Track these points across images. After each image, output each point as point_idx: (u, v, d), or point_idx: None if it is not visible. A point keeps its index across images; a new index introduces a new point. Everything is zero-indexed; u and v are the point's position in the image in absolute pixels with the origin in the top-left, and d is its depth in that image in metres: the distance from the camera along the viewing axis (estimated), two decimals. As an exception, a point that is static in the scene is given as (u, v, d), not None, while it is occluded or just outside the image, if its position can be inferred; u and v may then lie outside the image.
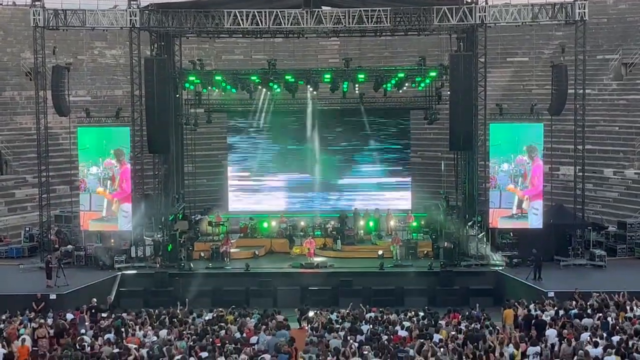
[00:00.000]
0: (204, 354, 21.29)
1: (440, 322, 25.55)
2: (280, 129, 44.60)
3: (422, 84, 41.38)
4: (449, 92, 37.16)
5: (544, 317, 25.27)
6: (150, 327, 25.06)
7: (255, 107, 42.87)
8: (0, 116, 47.51)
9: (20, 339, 23.51)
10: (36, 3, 36.81)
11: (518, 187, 36.03)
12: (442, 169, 43.92)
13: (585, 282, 32.30)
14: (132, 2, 36.72)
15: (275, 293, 34.73)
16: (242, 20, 36.76)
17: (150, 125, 36.72)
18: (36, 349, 23.78)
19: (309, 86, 40.30)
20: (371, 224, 41.19)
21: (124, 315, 27.26)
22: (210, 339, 22.92)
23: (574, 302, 27.17)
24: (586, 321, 24.33)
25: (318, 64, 50.80)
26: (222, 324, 25.56)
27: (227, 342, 22.51)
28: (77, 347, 22.54)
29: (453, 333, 23.61)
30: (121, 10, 37.42)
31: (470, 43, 37.78)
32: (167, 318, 26.32)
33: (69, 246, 37.90)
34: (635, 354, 20.43)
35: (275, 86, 40.47)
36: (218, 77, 40.02)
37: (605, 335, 22.27)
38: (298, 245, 39.04)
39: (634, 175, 42.70)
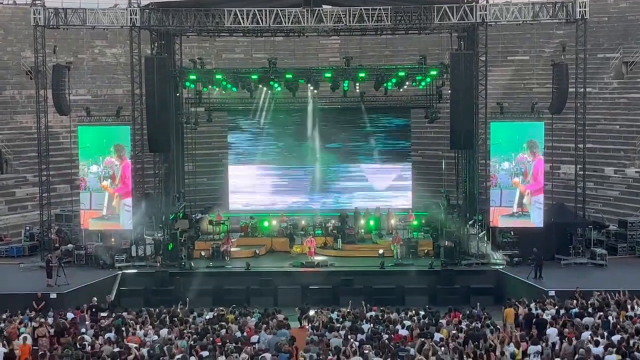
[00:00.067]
0: (205, 353, 21.27)
1: (441, 321, 25.53)
2: (281, 128, 44.58)
3: (423, 83, 41.35)
4: (449, 91, 37.11)
5: (544, 316, 25.24)
6: (150, 326, 25.04)
7: (256, 106, 42.84)
8: (1, 115, 47.51)
9: (21, 337, 23.52)
10: (36, 2, 36.83)
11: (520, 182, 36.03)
12: (442, 168, 43.89)
13: (586, 281, 32.27)
14: (132, 1, 36.72)
15: (275, 292, 34.74)
16: (242, 19, 36.75)
17: (150, 124, 36.70)
18: (36, 348, 23.77)
19: (309, 85, 40.28)
20: (372, 222, 41.17)
21: (125, 314, 27.24)
22: (211, 338, 22.90)
23: (574, 301, 27.16)
24: (587, 320, 24.31)
25: (319, 62, 50.81)
26: (223, 323, 25.53)
27: (227, 341, 22.48)
28: (78, 346, 22.53)
29: (454, 332, 23.60)
30: (121, 9, 37.42)
31: (471, 42, 37.76)
32: (167, 317, 26.31)
33: (70, 245, 37.89)
34: (636, 352, 20.39)
35: (276, 85, 40.45)
36: (218, 76, 40.01)
37: (606, 334, 22.23)
38: (299, 244, 39.02)
39: (635, 174, 42.67)
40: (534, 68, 47.02)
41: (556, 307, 26.56)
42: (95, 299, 28.88)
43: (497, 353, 21.26)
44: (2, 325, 25.26)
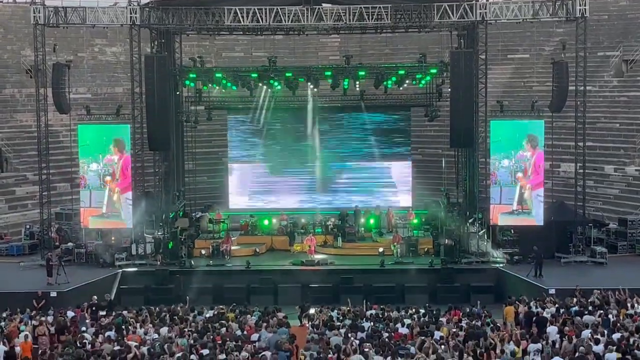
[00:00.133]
0: (205, 352, 21.28)
1: (441, 319, 25.56)
2: (281, 126, 44.57)
3: (423, 81, 41.34)
4: (449, 89, 37.12)
5: (544, 314, 25.26)
6: (151, 325, 25.06)
7: (256, 105, 42.83)
8: (1, 114, 47.47)
9: (22, 335, 23.55)
10: (36, 0, 36.85)
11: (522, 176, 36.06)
12: (442, 166, 43.86)
13: (586, 279, 32.27)
14: (132, 0, 36.70)
15: (276, 290, 34.73)
16: (242, 17, 36.74)
17: (150, 122, 36.71)
18: (36, 346, 23.78)
19: (309, 83, 40.27)
20: (372, 221, 41.17)
21: (125, 312, 27.25)
22: (211, 337, 22.93)
23: (574, 299, 27.16)
24: (587, 318, 24.32)
25: (318, 61, 50.80)
26: (223, 321, 25.55)
27: (228, 339, 22.49)
28: (78, 344, 22.56)
29: (454, 330, 23.62)
30: (121, 7, 37.44)
31: (470, 40, 37.76)
32: (167, 316, 26.33)
33: (70, 244, 37.88)
34: (636, 351, 20.41)
35: (276, 83, 40.45)
36: (218, 75, 40.02)
37: (606, 332, 22.26)
38: (299, 243, 39.03)
39: (635, 172, 42.66)
40: (534, 66, 46.96)
41: (556, 306, 26.58)
42: (95, 297, 28.91)
43: (497, 351, 21.29)
44: (3, 323, 25.30)
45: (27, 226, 40.20)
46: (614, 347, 20.46)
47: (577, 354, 20.47)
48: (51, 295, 31.57)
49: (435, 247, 37.65)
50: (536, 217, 35.95)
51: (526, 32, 48.08)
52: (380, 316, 26.44)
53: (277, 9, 36.54)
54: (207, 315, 26.90)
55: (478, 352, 21.00)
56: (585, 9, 35.67)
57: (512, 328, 24.76)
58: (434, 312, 26.99)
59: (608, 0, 52.20)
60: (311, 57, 52.55)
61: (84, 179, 36.93)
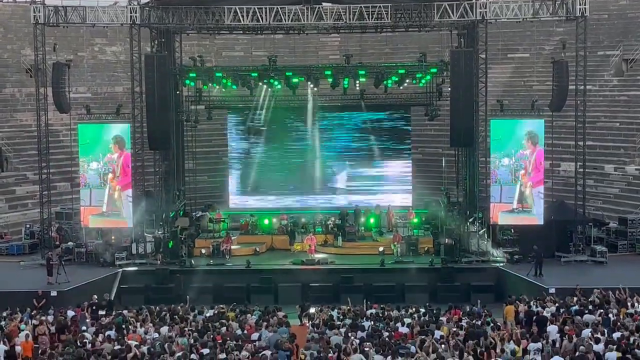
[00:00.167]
0: (205, 351, 21.30)
1: (441, 318, 25.58)
2: (281, 126, 44.59)
3: (423, 81, 41.34)
4: (449, 89, 37.12)
5: (545, 314, 25.27)
6: (151, 324, 25.07)
7: (256, 104, 42.85)
8: (1, 113, 47.49)
9: (23, 334, 23.56)
10: (36, 0, 36.78)
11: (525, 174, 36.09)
12: (443, 166, 43.89)
13: (586, 278, 32.27)
14: (132, -1, 36.80)
15: (276, 290, 34.73)
16: (242, 16, 36.74)
17: (150, 122, 36.72)
18: (37, 346, 23.79)
19: (309, 82, 40.27)
20: (372, 220, 41.18)
21: (125, 312, 27.25)
22: (212, 336, 22.94)
23: (575, 299, 27.16)
24: (587, 317, 24.32)
25: (318, 60, 50.78)
26: (223, 320, 25.56)
27: (228, 338, 22.52)
28: (78, 343, 22.57)
29: (454, 329, 23.62)
30: (121, 6, 37.46)
31: (470, 39, 37.76)
32: (168, 315, 26.34)
33: (70, 243, 37.88)
34: (636, 350, 20.40)
35: (276, 82, 40.45)
36: (218, 74, 40.05)
37: (606, 331, 22.26)
38: (299, 242, 39.05)
39: (635, 171, 42.68)
40: (534, 65, 46.95)
41: (556, 305, 26.59)
42: (95, 296, 28.93)
43: (498, 350, 21.30)
44: (3, 323, 25.30)
45: (28, 225, 40.20)
46: (614, 346, 20.47)
47: (577, 353, 20.48)
48: (51, 294, 31.56)
49: (435, 247, 37.65)
50: (537, 215, 35.94)
51: (526, 32, 48.06)
52: (381, 315, 26.44)
53: (277, 8, 36.53)
54: (208, 315, 26.90)
55: (478, 351, 21.00)
56: (585, 8, 35.66)
57: (512, 327, 24.76)
58: (434, 311, 26.98)
59: (608, 0, 52.21)
60: (311, 56, 52.54)
61: (84, 178, 36.95)
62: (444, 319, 25.54)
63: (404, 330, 24.13)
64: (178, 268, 35.85)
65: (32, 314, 27.03)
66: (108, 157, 36.59)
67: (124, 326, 24.71)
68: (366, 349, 20.95)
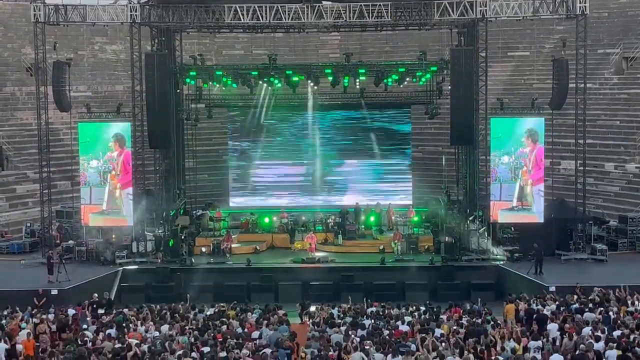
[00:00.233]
0: (206, 349, 21.33)
1: (441, 316, 25.61)
2: (281, 124, 44.60)
3: (423, 79, 41.31)
4: (449, 87, 37.13)
5: (545, 312, 25.28)
6: (152, 323, 25.09)
7: (256, 102, 42.84)
8: (1, 112, 47.52)
9: (25, 333, 23.59)
10: (37, -2, 36.89)
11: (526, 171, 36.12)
12: (443, 164, 43.91)
13: (587, 276, 32.31)
14: (132, -2, 36.83)
15: (276, 288, 34.75)
16: (242, 15, 36.74)
17: (151, 120, 36.74)
18: (38, 344, 23.81)
19: (309, 81, 40.27)
20: (372, 218, 41.17)
21: (126, 310, 27.28)
22: (212, 334, 22.96)
23: (575, 297, 27.18)
24: (587, 315, 24.32)
25: (319, 58, 50.80)
26: (224, 319, 25.58)
27: (228, 337, 22.53)
28: (79, 342, 22.59)
29: (454, 327, 23.64)
30: (122, 5, 37.48)
31: (471, 37, 37.76)
32: (168, 313, 26.36)
33: (70, 241, 37.92)
34: (637, 348, 20.43)
35: (276, 81, 40.45)
36: (219, 72, 40.05)
37: (606, 329, 22.26)
38: (299, 240, 39.04)
39: (635, 170, 42.70)
40: (534, 64, 47.01)
41: (557, 303, 26.60)
42: (96, 295, 28.99)
43: (498, 348, 21.31)
44: (4, 321, 25.33)
45: (28, 224, 40.25)
46: (615, 345, 20.48)
47: (577, 352, 20.50)
48: (52, 293, 31.62)
49: (435, 245, 37.66)
50: (537, 213, 35.95)
51: (526, 30, 48.12)
52: (381, 314, 26.45)
53: (277, 6, 36.53)
54: (208, 313, 26.92)
55: (478, 349, 21.01)
56: (585, 6, 35.64)
57: (512, 325, 24.77)
58: (435, 309, 26.98)
59: (608, -2, 52.26)
60: (311, 54, 52.55)
61: (84, 176, 36.96)
62: (444, 317, 25.57)
63: (404, 328, 24.15)
64: (178, 266, 35.88)
65: (33, 312, 27.08)
66: (108, 155, 36.62)
67: (124, 324, 24.74)
68: (366, 347, 20.98)
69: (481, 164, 37.94)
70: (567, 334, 22.08)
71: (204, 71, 40.71)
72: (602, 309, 25.14)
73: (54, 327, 25.50)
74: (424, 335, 21.91)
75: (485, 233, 36.67)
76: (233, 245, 38.28)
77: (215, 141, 49.20)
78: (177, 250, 36.82)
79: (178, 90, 41.07)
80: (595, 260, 35.34)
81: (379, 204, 42.51)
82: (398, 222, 39.77)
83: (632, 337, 21.39)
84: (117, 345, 21.87)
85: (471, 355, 20.52)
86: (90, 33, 47.13)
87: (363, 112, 43.90)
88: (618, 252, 36.80)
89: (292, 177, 45.14)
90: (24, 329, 24.35)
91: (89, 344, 22.34)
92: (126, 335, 23.14)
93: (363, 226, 40.89)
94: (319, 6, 36.77)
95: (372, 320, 25.21)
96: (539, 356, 21.01)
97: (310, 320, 26.11)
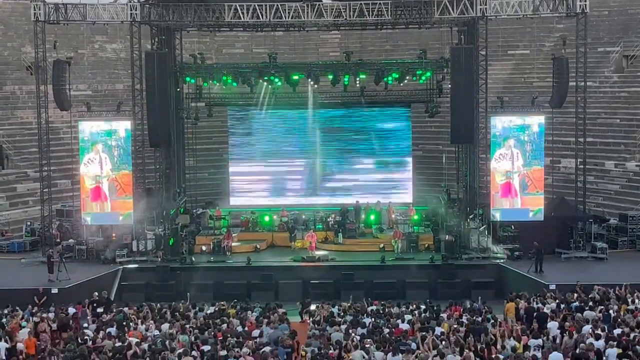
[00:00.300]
0: (206, 348, 21.34)
1: (441, 315, 25.62)
2: (281, 123, 44.58)
3: (423, 77, 41.30)
4: (450, 85, 37.14)
5: (545, 310, 25.30)
6: (152, 321, 25.11)
7: (256, 101, 42.81)
8: (1, 111, 47.53)
9: (26, 332, 23.59)
10: (37, -3, 36.87)
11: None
12: (443, 162, 43.89)
13: (587, 274, 32.31)
14: (132, -4, 36.81)
15: (276, 286, 34.78)
16: (242, 13, 36.74)
17: (151, 119, 36.74)
18: (38, 343, 23.83)
19: (309, 79, 40.25)
20: (372, 217, 41.18)
21: (126, 309, 27.29)
22: (212, 333, 22.98)
23: (575, 295, 27.20)
24: (588, 314, 24.34)
25: (319, 57, 50.80)
26: (224, 317, 25.61)
27: (229, 335, 22.55)
28: (79, 340, 22.60)
29: (455, 326, 23.63)
30: (122, 4, 37.42)
31: (471, 36, 37.74)
32: (168, 312, 26.36)
33: (71, 240, 37.94)
34: (637, 346, 20.42)
35: (276, 80, 40.44)
36: (219, 71, 39.99)
37: (606, 327, 22.28)
38: (299, 239, 39.01)
39: (635, 168, 42.69)
40: (534, 62, 46.99)
41: (557, 301, 26.62)
42: (96, 293, 28.98)
43: (498, 347, 21.33)
44: (4, 320, 25.33)
45: (28, 223, 40.26)
46: (615, 343, 20.49)
47: (577, 350, 20.52)
48: (52, 291, 31.67)
49: (435, 243, 37.66)
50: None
51: (526, 28, 48.09)
52: (381, 312, 26.48)
53: (277, 5, 36.54)
54: (208, 312, 26.92)
55: (479, 347, 21.04)
56: (585, 5, 35.64)
57: (512, 324, 24.81)
58: (435, 307, 27.01)
59: (608, -4, 52.26)
60: (311, 53, 52.54)
61: (84, 175, 36.94)
62: (444, 315, 25.58)
63: (404, 326, 24.16)
64: (179, 265, 35.90)
65: (33, 311, 27.09)
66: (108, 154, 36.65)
67: (124, 323, 24.75)
68: (367, 345, 21.00)
69: (481, 162, 37.94)
70: (567, 332, 22.10)
71: (204, 70, 40.70)
72: (602, 307, 25.15)
73: (54, 325, 25.51)
74: (424, 333, 21.92)
75: (486, 231, 36.67)
76: (233, 244, 38.31)
77: (215, 140, 49.19)
78: (177, 249, 36.83)
79: (178, 89, 41.04)
80: (595, 259, 35.34)
81: (379, 203, 42.50)
82: (398, 221, 39.77)
83: (632, 335, 21.40)
84: (118, 344, 21.88)
85: (471, 354, 20.54)
86: (91, 32, 47.16)
87: (363, 110, 43.87)
88: (618, 250, 36.82)
89: (292, 175, 45.12)
90: (24, 327, 24.37)
91: (90, 343, 22.35)
92: (126, 334, 23.16)
93: (363, 225, 40.91)
94: (319, 5, 36.77)
95: (373, 319, 25.22)
96: (539, 354, 21.01)
97: (311, 319, 26.13)
